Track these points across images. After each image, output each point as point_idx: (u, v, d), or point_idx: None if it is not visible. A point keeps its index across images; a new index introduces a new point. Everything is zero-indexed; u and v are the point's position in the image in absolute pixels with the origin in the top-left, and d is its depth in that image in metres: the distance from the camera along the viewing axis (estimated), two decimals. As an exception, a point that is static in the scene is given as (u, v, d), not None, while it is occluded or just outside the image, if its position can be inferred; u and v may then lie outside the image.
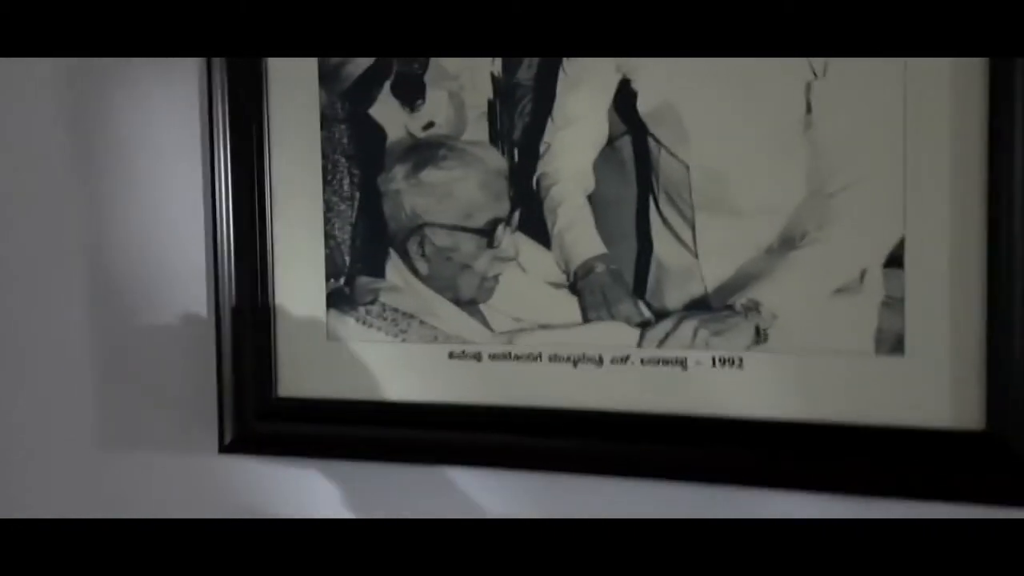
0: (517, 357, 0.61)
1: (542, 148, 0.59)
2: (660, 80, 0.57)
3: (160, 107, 0.69)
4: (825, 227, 0.54)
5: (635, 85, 0.57)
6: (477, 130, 0.61)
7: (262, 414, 0.66)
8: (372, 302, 0.64)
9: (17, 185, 0.73)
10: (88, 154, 0.71)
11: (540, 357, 0.61)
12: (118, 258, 0.71)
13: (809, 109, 0.54)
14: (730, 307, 0.56)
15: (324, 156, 0.64)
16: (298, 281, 0.65)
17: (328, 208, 0.64)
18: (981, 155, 0.51)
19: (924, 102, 0.52)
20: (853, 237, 0.54)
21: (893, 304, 0.53)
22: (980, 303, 0.52)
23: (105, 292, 0.71)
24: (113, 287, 0.71)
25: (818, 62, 0.54)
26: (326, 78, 0.63)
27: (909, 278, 0.53)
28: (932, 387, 0.53)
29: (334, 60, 0.63)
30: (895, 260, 0.53)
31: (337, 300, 0.65)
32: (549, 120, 0.59)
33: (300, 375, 0.66)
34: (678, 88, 0.56)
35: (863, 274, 0.54)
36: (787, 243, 0.55)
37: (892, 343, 0.54)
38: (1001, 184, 0.50)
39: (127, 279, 0.71)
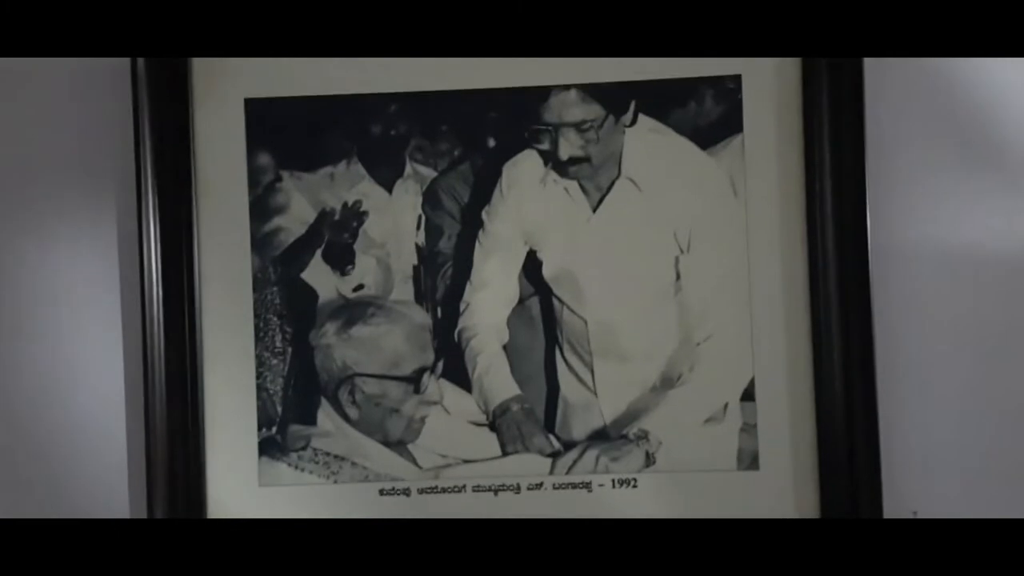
0: (443, 490, 0.69)
1: (462, 306, 0.69)
2: (560, 251, 0.69)
3: (81, 266, 0.71)
4: (695, 369, 0.68)
5: (540, 255, 0.69)
6: (403, 291, 0.70)
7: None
8: (304, 447, 0.70)
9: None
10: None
11: (464, 488, 0.69)
12: (26, 407, 0.71)
13: (678, 277, 0.68)
14: (624, 436, 0.69)
15: (256, 315, 0.70)
16: (230, 433, 0.69)
17: (260, 363, 0.70)
18: (806, 312, 0.68)
19: (762, 272, 0.68)
20: (716, 377, 0.68)
21: (749, 429, 0.68)
22: (812, 425, 0.68)
23: (12, 446, 0.71)
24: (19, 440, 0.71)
25: (682, 240, 0.68)
26: (259, 244, 0.70)
27: (759, 408, 0.68)
28: (780, 493, 0.68)
29: (266, 227, 0.70)
30: (748, 395, 0.68)
31: (269, 447, 0.70)
32: (468, 283, 0.69)
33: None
34: (575, 258, 0.69)
35: (726, 407, 0.68)
36: (666, 382, 0.69)
37: (749, 460, 0.68)
38: (822, 336, 0.67)
39: (34, 432, 0.71)
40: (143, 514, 0.69)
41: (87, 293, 0.72)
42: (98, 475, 0.72)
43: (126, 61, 0.68)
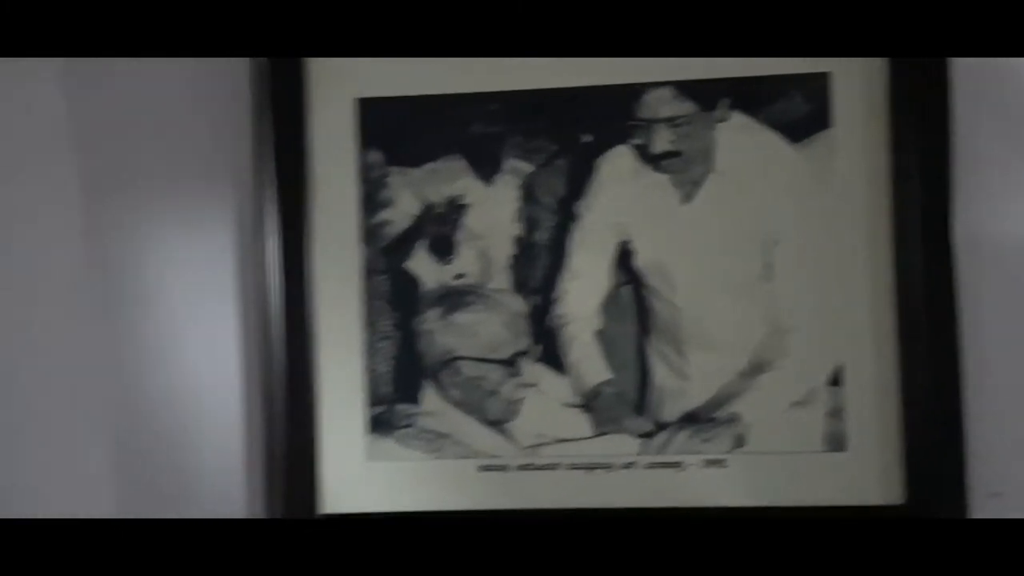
0: (539, 467, 0.73)
1: (557, 295, 0.73)
2: (652, 242, 0.72)
3: (202, 256, 0.77)
4: (783, 355, 0.71)
5: (632, 246, 0.73)
6: (501, 280, 0.74)
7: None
8: (409, 425, 0.74)
9: (42, 337, 0.78)
10: (119, 301, 0.78)
11: (559, 466, 0.73)
12: (148, 387, 0.78)
13: (767, 267, 0.71)
14: (714, 419, 0.72)
15: (365, 302, 0.75)
16: (341, 411, 0.74)
17: (368, 346, 0.75)
18: (892, 300, 0.70)
19: (849, 262, 0.70)
20: (804, 363, 0.71)
21: (836, 413, 0.71)
22: (897, 409, 0.70)
23: (135, 425, 0.77)
24: (144, 418, 0.77)
25: (771, 231, 0.71)
26: (367, 236, 0.75)
27: (846, 393, 0.70)
28: (865, 475, 0.70)
29: (374, 220, 0.75)
30: (836, 380, 0.71)
31: (377, 425, 0.75)
32: (562, 273, 0.73)
33: (344, 492, 0.74)
34: (666, 249, 0.72)
35: (813, 391, 0.71)
36: (755, 368, 0.71)
37: (836, 443, 0.71)
38: (908, 323, 0.69)
39: (157, 411, 0.77)
40: (260, 486, 0.74)
41: (206, 281, 0.77)
42: (216, 449, 0.77)
43: (246, 62, 0.74)
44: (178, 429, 0.78)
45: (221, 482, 0.77)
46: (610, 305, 0.73)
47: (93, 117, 0.78)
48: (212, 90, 0.77)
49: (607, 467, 0.73)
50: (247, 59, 0.74)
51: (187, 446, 0.78)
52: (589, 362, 0.73)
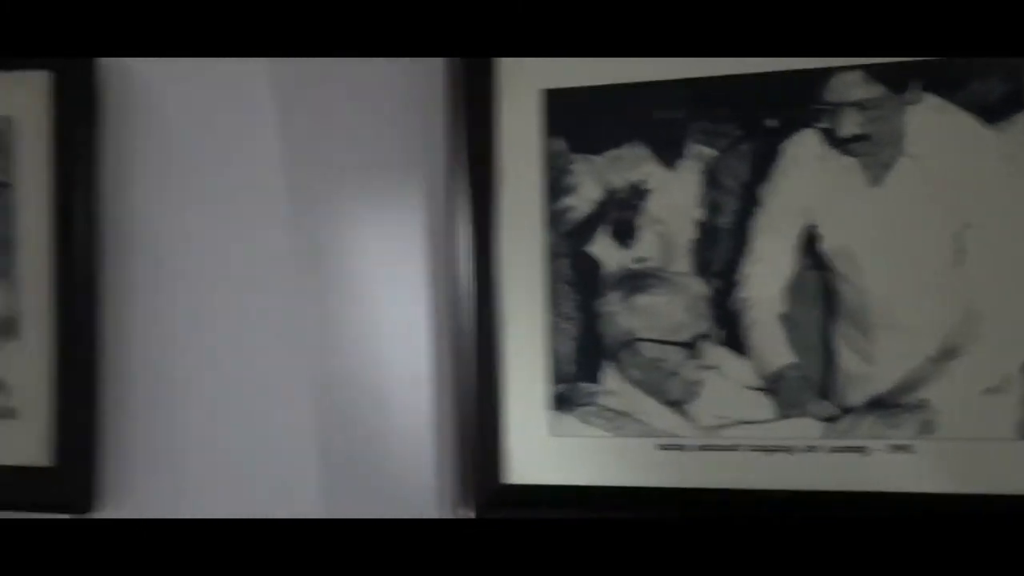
0: (719, 448, 0.75)
1: (739, 278, 0.74)
2: (839, 227, 0.72)
3: (391, 243, 0.82)
4: (975, 341, 0.70)
5: (818, 231, 0.73)
6: (683, 263, 0.75)
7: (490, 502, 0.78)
8: (589, 403, 0.77)
9: (252, 305, 0.85)
10: (321, 291, 0.83)
11: (739, 447, 0.74)
12: (347, 364, 0.83)
13: (959, 251, 0.70)
14: (902, 404, 0.71)
15: (549, 285, 0.78)
16: (525, 388, 0.78)
17: (552, 327, 0.78)
18: None
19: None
20: (997, 349, 0.70)
21: (1032, 400, 0.69)
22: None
23: (333, 396, 0.83)
24: (340, 391, 0.83)
25: (964, 214, 0.70)
26: (552, 221, 0.78)
27: (1042, 380, 0.69)
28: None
29: (558, 206, 0.77)
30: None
31: (559, 402, 0.78)
32: (745, 256, 0.74)
33: (526, 465, 0.78)
34: (854, 233, 0.72)
35: (1007, 378, 0.69)
36: (946, 353, 0.71)
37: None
38: None
39: (355, 384, 0.83)
40: (450, 457, 0.79)
41: (400, 266, 0.82)
42: (407, 422, 0.82)
43: (441, 61, 0.79)
44: (372, 409, 0.83)
45: (412, 452, 0.82)
46: (794, 289, 0.73)
47: (298, 112, 0.84)
48: (408, 86, 0.81)
49: (788, 450, 0.73)
50: (442, 59, 0.79)
51: (381, 427, 0.83)
52: (772, 345, 0.74)
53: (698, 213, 0.75)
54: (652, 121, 0.76)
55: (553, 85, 0.77)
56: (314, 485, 0.83)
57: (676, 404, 0.76)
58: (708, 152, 0.75)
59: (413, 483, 0.82)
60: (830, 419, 0.73)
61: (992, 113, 0.70)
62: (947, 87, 0.70)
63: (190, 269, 0.86)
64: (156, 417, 0.87)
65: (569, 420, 0.78)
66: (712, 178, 0.75)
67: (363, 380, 0.83)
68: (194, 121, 0.86)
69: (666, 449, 0.76)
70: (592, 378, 0.77)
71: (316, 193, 0.84)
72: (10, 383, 0.87)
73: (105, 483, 0.87)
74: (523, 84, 0.78)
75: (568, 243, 0.78)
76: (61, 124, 0.85)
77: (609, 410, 0.77)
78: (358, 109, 0.83)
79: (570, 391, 0.78)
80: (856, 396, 0.72)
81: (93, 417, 0.86)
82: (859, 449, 0.72)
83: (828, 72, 0.72)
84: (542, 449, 0.78)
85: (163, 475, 0.86)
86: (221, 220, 0.86)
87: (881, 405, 0.72)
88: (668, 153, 0.76)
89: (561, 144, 0.77)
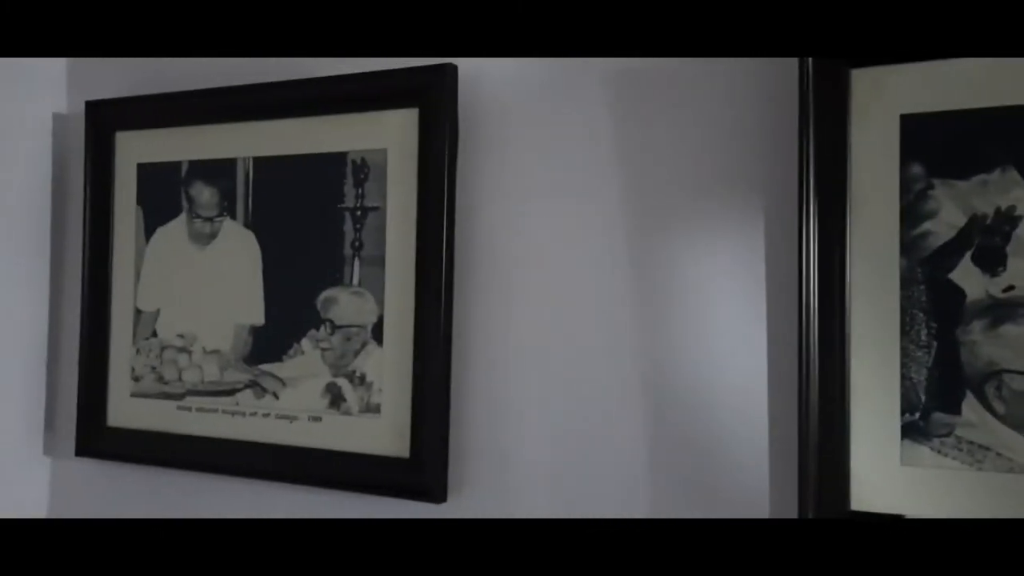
0: (1098, 490, 0.70)
1: None
2: None
3: (725, 259, 0.85)
4: None
5: None
6: (1059, 294, 0.72)
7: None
8: (947, 435, 0.75)
9: (590, 316, 0.91)
10: (654, 300, 0.88)
11: (1124, 492, 0.70)
12: (683, 380, 0.87)
13: None
14: None
15: (903, 311, 0.77)
16: (874, 415, 0.77)
17: (904, 354, 0.77)
18: None
19: None
20: None
21: None
22: None
23: (666, 411, 0.87)
24: (674, 407, 0.87)
25: None
26: (907, 247, 0.77)
27: None
28: None
29: (915, 232, 0.76)
30: None
31: (911, 431, 0.76)
32: None
33: (874, 493, 0.77)
34: None
35: None
36: None
37: None
38: None
39: (689, 402, 0.86)
40: (789, 485, 0.80)
41: (734, 288, 0.85)
42: (742, 440, 0.84)
43: (793, 64, 0.80)
44: (705, 426, 0.86)
45: (746, 472, 0.84)
46: None
47: (637, 121, 0.89)
48: (754, 95, 0.84)
49: None
50: (794, 60, 0.80)
51: (714, 444, 0.86)
52: None
53: (1077, 241, 0.71)
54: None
55: (913, 110, 0.76)
56: (645, 494, 0.88)
57: (1047, 441, 0.72)
58: (1095, 177, 0.71)
59: (747, 503, 0.84)
60: None
61: None
62: None
63: (532, 282, 0.94)
64: (497, 419, 0.95)
65: (923, 450, 0.76)
66: (1098, 204, 0.71)
67: (698, 397, 0.86)
68: (537, 147, 0.94)
69: (1033, 487, 0.72)
70: (950, 408, 0.75)
71: (656, 209, 0.88)
72: (375, 381, 0.99)
73: (451, 477, 0.96)
74: (881, 108, 0.77)
75: (925, 269, 0.76)
76: (426, 155, 0.96)
77: (969, 443, 0.75)
78: (700, 121, 0.86)
79: (924, 420, 0.76)
80: None
81: (446, 415, 0.95)
82: None
83: None
84: (892, 478, 0.77)
85: (502, 473, 0.94)
86: (561, 238, 0.92)
87: None
88: (1043, 177, 0.72)
89: (919, 169, 0.76)
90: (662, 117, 0.88)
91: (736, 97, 0.85)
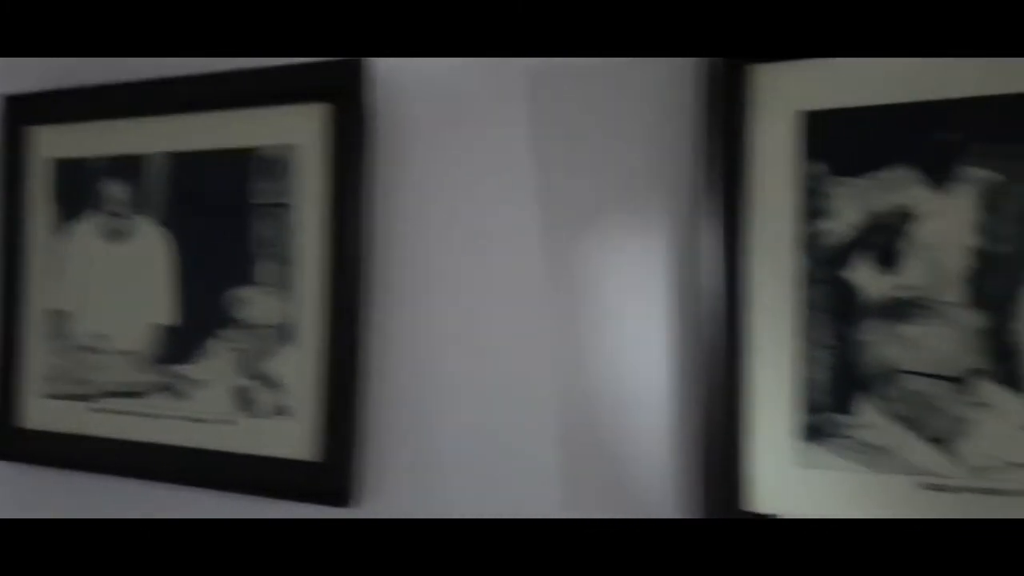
0: (986, 491, 0.70)
1: (1018, 311, 0.69)
2: None
3: (633, 258, 0.84)
4: None
5: (1118, 261, 0.66)
6: (953, 293, 0.71)
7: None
8: (843, 436, 0.74)
9: (503, 318, 0.89)
10: (565, 299, 0.86)
11: (1009, 491, 0.69)
12: (591, 380, 0.86)
13: None
14: None
15: (800, 310, 0.76)
16: (771, 416, 0.77)
17: (801, 354, 0.76)
18: None
19: None
20: None
21: None
22: None
23: (576, 410, 0.86)
24: (584, 406, 0.86)
25: None
26: (804, 246, 0.76)
27: None
28: None
29: (811, 229, 0.75)
30: None
31: (807, 433, 0.76)
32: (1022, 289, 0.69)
33: (771, 495, 0.76)
34: None
35: None
36: None
37: None
38: None
39: (597, 401, 0.85)
40: (688, 483, 0.79)
41: (641, 281, 0.84)
42: (646, 444, 0.83)
43: (693, 65, 0.79)
44: (611, 424, 0.85)
45: (651, 475, 0.83)
46: (1085, 325, 0.67)
47: (549, 121, 0.88)
48: (664, 94, 0.83)
49: (1074, 499, 0.67)
50: (695, 60, 0.80)
51: (619, 442, 0.84)
52: (1055, 385, 0.68)
53: (973, 240, 0.71)
54: (923, 143, 0.72)
55: (810, 107, 0.76)
56: (555, 494, 0.86)
57: (940, 442, 0.71)
58: (987, 176, 0.70)
59: (653, 502, 0.83)
60: None
61: None
62: None
63: (448, 285, 0.92)
64: (411, 420, 0.93)
65: (820, 452, 0.75)
66: (990, 203, 0.70)
67: (605, 397, 0.85)
68: (451, 145, 0.92)
69: (929, 489, 0.72)
70: (847, 409, 0.74)
71: (568, 208, 0.87)
72: (286, 383, 0.97)
73: (364, 479, 0.94)
74: (779, 105, 0.76)
75: (823, 268, 0.75)
76: (336, 151, 0.94)
77: (865, 444, 0.74)
78: (610, 120, 0.85)
79: (822, 422, 0.75)
80: None
81: (356, 417, 0.93)
82: None
83: None
84: (789, 479, 0.76)
85: (416, 474, 0.93)
86: (477, 237, 0.91)
87: None
88: (939, 177, 0.72)
89: (818, 166, 0.75)
90: (574, 116, 0.87)
91: (648, 96, 0.84)
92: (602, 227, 0.86)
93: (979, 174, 0.70)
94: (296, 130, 0.96)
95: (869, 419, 0.74)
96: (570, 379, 0.86)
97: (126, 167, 1.06)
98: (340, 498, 0.93)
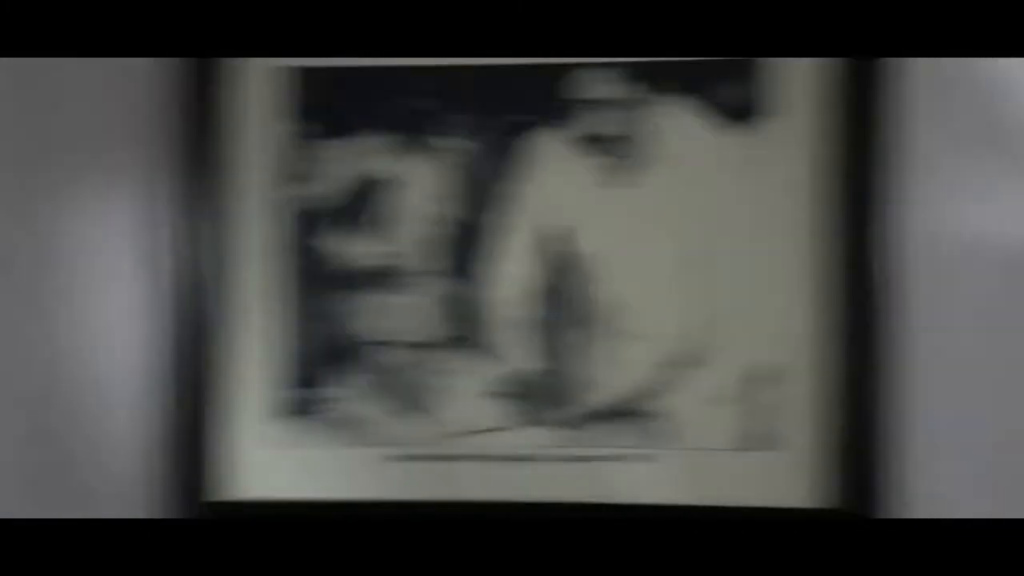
0: (456, 458, 0.69)
1: (483, 280, 0.70)
2: (588, 228, 0.69)
3: (108, 235, 0.73)
4: (716, 349, 0.69)
5: (567, 232, 0.70)
6: (425, 262, 0.70)
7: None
8: (320, 412, 0.70)
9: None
10: (41, 261, 0.73)
11: (478, 457, 0.69)
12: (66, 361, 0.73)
13: (705, 256, 0.69)
14: (643, 412, 0.69)
15: (276, 281, 0.70)
16: (247, 394, 0.70)
17: (278, 328, 0.70)
18: (830, 300, 0.68)
19: (788, 256, 0.68)
20: (737, 358, 0.68)
21: (768, 411, 0.68)
22: (831, 408, 0.67)
23: (51, 394, 0.72)
24: (58, 386, 0.72)
25: (710, 219, 0.69)
26: (280, 213, 0.71)
27: (778, 390, 0.68)
28: (795, 475, 0.68)
29: (290, 196, 0.71)
30: (770, 376, 0.68)
31: (284, 410, 0.70)
32: (490, 257, 0.70)
33: (250, 480, 0.70)
34: (603, 235, 0.69)
35: (747, 387, 0.68)
36: (688, 362, 0.69)
37: (767, 441, 0.68)
38: (847, 321, 0.67)
39: (72, 378, 0.73)
40: (158, 469, 0.69)
41: (116, 258, 0.73)
42: (119, 429, 0.72)
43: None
44: (89, 409, 0.73)
45: (121, 463, 0.72)
46: (539, 292, 0.70)
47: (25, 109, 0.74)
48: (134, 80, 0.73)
49: (528, 459, 0.69)
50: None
51: (86, 426, 0.73)
52: (515, 351, 0.70)
53: (444, 209, 0.70)
54: (399, 109, 0.71)
55: (291, 64, 0.71)
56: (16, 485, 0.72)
57: (413, 411, 0.70)
58: (457, 145, 0.70)
59: (123, 490, 0.72)
60: (570, 427, 0.69)
61: (738, 118, 0.69)
62: (693, 91, 0.69)
63: None
64: None
65: (298, 429, 0.70)
66: (461, 174, 0.70)
67: (80, 375, 0.73)
68: None
69: (401, 460, 0.70)
70: (324, 384, 0.70)
71: (43, 188, 0.73)
72: None
73: None
74: (257, 60, 0.71)
75: (300, 236, 0.71)
76: None
77: (342, 419, 0.70)
78: (80, 104, 0.73)
79: (300, 398, 0.70)
80: (597, 403, 0.69)
81: None
82: (599, 458, 0.69)
83: (578, 69, 0.69)
84: (267, 461, 0.70)
85: None
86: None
87: (622, 413, 0.69)
88: (415, 145, 0.71)
89: (298, 127, 0.71)
90: (50, 107, 0.74)
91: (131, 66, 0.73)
92: (78, 209, 0.73)
93: (452, 143, 0.70)
94: None
95: (344, 392, 0.70)
96: (33, 368, 0.73)
97: None
98: None
